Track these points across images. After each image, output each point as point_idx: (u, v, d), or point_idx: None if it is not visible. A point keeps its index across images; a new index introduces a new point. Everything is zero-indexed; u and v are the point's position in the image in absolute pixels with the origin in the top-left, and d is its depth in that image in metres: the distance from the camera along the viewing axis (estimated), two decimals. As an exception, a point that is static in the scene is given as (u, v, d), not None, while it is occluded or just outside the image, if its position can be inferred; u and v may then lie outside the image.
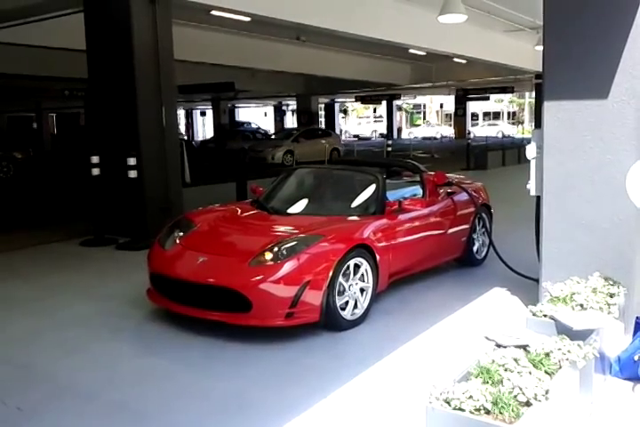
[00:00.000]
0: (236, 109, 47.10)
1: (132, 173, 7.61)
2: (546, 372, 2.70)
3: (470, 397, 2.41)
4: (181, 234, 5.08)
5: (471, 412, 2.36)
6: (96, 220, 7.93)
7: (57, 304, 5.35)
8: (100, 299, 5.48)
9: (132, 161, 7.59)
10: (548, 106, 4.25)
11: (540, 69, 4.42)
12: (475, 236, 6.38)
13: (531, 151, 4.46)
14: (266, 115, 52.94)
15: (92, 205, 7.98)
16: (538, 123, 4.66)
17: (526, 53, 18.97)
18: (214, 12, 10.98)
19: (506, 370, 2.62)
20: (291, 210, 5.55)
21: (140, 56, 7.86)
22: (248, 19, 11.58)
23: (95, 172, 7.85)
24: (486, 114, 53.63)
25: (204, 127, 50.39)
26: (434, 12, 11.71)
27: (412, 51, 17.76)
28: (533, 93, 32.80)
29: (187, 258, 4.77)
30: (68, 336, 4.57)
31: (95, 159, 7.84)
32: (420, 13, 13.67)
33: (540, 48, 4.39)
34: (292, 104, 39.38)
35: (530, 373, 2.61)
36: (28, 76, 17.58)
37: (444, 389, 2.48)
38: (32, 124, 32.27)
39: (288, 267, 4.33)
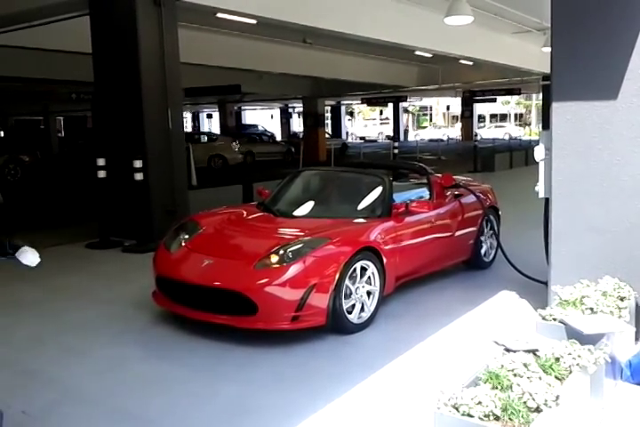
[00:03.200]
0: (243, 112, 47.17)
1: (138, 176, 7.60)
2: (556, 377, 2.66)
3: (479, 402, 2.37)
4: (187, 237, 5.06)
5: (480, 418, 2.33)
6: (102, 222, 7.93)
7: (62, 307, 5.34)
8: (105, 302, 5.46)
9: (137, 164, 7.58)
10: (556, 107, 4.21)
11: (547, 71, 4.38)
12: (482, 238, 6.33)
13: (539, 153, 4.42)
14: (272, 117, 53.01)
15: (98, 207, 7.98)
16: (546, 124, 4.62)
17: (533, 55, 18.88)
18: (220, 15, 10.95)
19: (515, 375, 2.58)
20: (297, 212, 5.52)
21: (145, 59, 7.86)
22: (254, 21, 11.57)
23: (101, 174, 7.85)
24: (493, 116, 53.51)
25: (211, 130, 50.48)
26: (440, 13, 11.67)
27: (418, 53, 17.69)
28: (540, 95, 32.69)
29: (192, 261, 4.75)
30: (72, 339, 4.56)
31: (101, 162, 7.84)
32: (426, 15, 13.62)
33: (547, 49, 4.36)
34: (299, 106, 39.40)
35: (540, 378, 2.57)
36: (35, 80, 17.62)
37: (452, 394, 2.44)
38: (39, 127, 32.38)
39: (294, 270, 4.29)
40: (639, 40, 3.89)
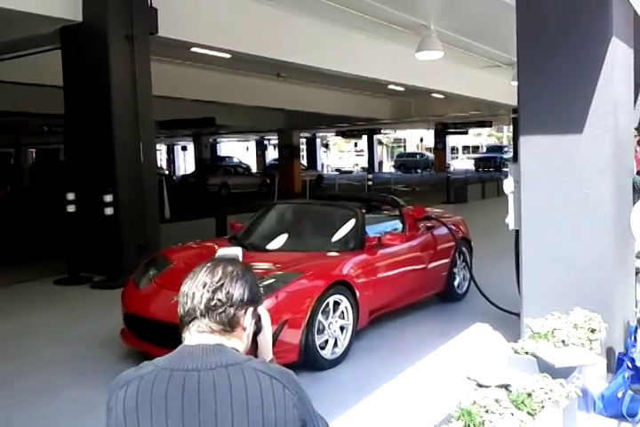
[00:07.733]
0: (218, 144, 47.28)
1: (109, 210, 7.50)
2: (528, 413, 2.62)
3: (451, 442, 2.32)
4: (156, 272, 4.98)
5: (452, 458, 2.28)
6: (71, 258, 7.78)
7: (27, 347, 5.18)
8: (71, 340, 5.31)
9: (108, 198, 7.49)
10: (524, 140, 4.27)
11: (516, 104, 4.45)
12: (455, 270, 6.33)
13: (508, 185, 4.46)
14: (248, 149, 53.15)
15: (67, 242, 7.84)
16: (515, 157, 4.68)
17: (503, 88, 19.28)
18: (194, 49, 11.03)
19: (487, 412, 2.54)
20: (269, 246, 5.48)
21: (117, 93, 7.84)
22: (228, 56, 11.67)
23: (71, 209, 7.73)
24: (465, 147, 54.36)
25: (186, 162, 50.40)
26: (412, 48, 11.91)
27: (391, 86, 17.99)
28: (511, 127, 33.32)
29: (161, 297, 4.65)
30: (37, 381, 4.40)
31: (71, 196, 7.73)
32: (398, 50, 13.88)
33: (516, 83, 4.44)
34: (274, 139, 39.67)
35: (512, 414, 2.53)
36: (6, 113, 17.48)
37: (423, 433, 2.39)
38: (10, 159, 31.99)
39: (265, 305, 4.21)
40: (602, 75, 3.98)
